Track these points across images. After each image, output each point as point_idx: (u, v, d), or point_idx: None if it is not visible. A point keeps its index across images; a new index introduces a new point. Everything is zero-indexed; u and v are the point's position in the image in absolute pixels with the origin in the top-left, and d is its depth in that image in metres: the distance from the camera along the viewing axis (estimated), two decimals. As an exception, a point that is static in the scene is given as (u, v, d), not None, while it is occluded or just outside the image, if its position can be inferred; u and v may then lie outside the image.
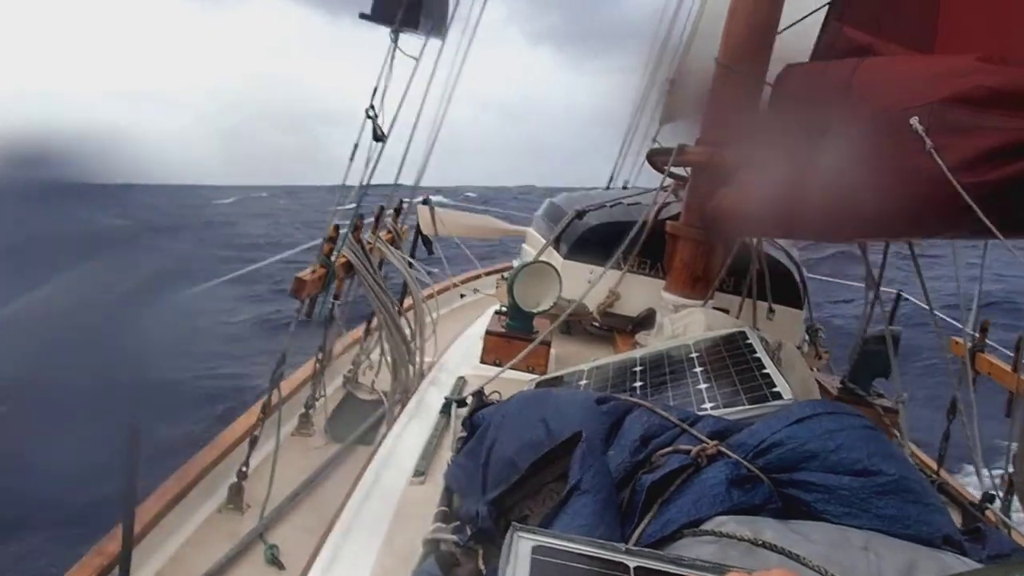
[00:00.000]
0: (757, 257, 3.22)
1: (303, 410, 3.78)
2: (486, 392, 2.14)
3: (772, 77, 2.55)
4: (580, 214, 3.71)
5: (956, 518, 2.23)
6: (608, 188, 7.33)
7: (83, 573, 2.31)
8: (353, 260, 3.11)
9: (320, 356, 3.45)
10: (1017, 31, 1.96)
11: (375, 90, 3.24)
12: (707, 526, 1.16)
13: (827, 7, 2.55)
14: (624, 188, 5.22)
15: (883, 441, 1.33)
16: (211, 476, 3.03)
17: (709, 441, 1.33)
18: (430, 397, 2.51)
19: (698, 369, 2.03)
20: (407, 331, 3.43)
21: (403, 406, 2.62)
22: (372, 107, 3.21)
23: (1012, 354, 3.01)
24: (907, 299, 4.34)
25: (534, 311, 2.84)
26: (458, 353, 3.10)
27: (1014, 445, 2.81)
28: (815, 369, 3.27)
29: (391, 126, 3.30)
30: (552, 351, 2.83)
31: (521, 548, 0.93)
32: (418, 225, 4.76)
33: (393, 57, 3.32)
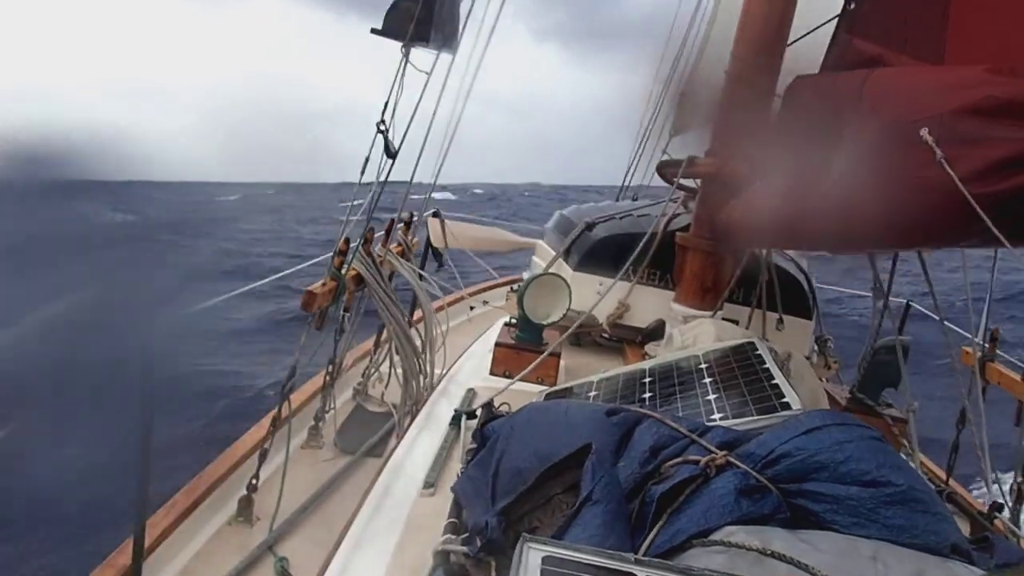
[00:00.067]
0: (766, 268, 3.22)
1: (313, 423, 3.78)
2: (496, 404, 2.13)
3: (782, 89, 2.56)
4: (590, 226, 3.71)
5: (965, 528, 2.21)
6: (623, 188, 7.33)
7: None
8: (364, 273, 3.11)
9: (330, 368, 3.45)
10: (1026, 42, 1.96)
11: (386, 105, 3.25)
12: (716, 536, 1.16)
13: (837, 19, 2.56)
14: (634, 199, 5.22)
15: (891, 453, 1.33)
16: (221, 489, 3.03)
17: (718, 451, 1.33)
18: (440, 409, 2.50)
19: (707, 380, 2.03)
20: (417, 343, 3.43)
21: (413, 418, 2.62)
22: (383, 121, 3.22)
23: (1022, 364, 2.99)
24: (916, 308, 4.31)
25: (544, 323, 2.85)
26: (468, 365, 3.10)
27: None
28: (824, 379, 3.25)
29: (401, 143, 3.30)
30: (562, 363, 2.83)
31: (531, 559, 0.93)
32: (428, 237, 4.77)
33: (404, 72, 3.33)
